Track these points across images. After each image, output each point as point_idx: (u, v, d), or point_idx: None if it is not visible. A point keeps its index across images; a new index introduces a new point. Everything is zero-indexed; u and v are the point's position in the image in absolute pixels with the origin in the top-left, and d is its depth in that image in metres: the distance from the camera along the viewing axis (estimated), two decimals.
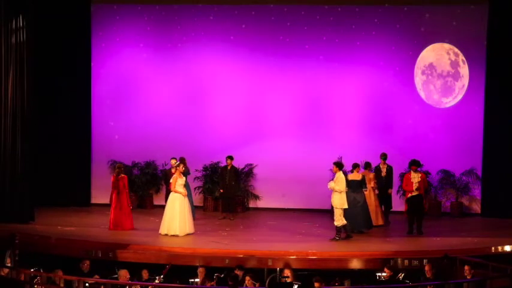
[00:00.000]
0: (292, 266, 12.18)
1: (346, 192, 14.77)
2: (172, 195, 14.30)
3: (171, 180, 14.45)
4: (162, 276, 12.03)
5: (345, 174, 16.36)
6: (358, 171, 14.86)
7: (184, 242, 13.56)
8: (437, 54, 17.49)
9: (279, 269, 12.37)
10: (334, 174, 17.12)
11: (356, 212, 14.60)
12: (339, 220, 13.83)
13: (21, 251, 12.20)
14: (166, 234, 14.05)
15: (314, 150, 17.52)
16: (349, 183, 14.72)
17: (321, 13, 17.66)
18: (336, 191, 13.82)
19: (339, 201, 13.82)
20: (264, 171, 17.69)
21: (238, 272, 11.56)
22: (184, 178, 14.40)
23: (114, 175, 15.02)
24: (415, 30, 17.46)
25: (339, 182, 13.86)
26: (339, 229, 13.87)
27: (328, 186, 13.92)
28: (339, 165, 14.04)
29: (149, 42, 17.98)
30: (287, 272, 11.76)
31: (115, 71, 18.05)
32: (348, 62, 17.61)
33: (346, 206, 13.87)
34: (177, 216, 14.07)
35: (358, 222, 14.64)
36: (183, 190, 14.23)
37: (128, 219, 14.74)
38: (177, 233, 13.99)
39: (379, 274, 12.13)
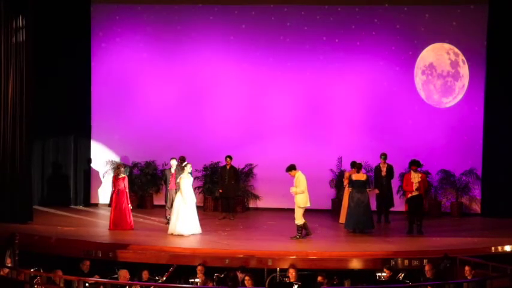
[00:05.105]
0: (296, 266, 12.15)
1: (351, 192, 14.86)
2: (178, 195, 14.29)
3: (178, 180, 14.42)
4: (164, 278, 12.03)
5: (343, 173, 16.44)
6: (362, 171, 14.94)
7: (184, 242, 13.56)
8: (437, 54, 17.50)
9: (279, 268, 12.38)
10: (334, 174, 17.30)
11: (360, 211, 14.65)
12: (300, 219, 13.85)
13: (21, 251, 12.22)
14: (171, 234, 14.06)
15: (314, 150, 17.52)
16: (354, 183, 14.78)
17: (321, 13, 17.67)
18: (298, 193, 13.80)
19: (302, 200, 13.82)
20: (264, 171, 17.68)
21: (240, 274, 11.54)
22: (192, 179, 14.38)
23: (114, 175, 15.03)
24: (415, 30, 17.46)
25: (300, 183, 13.81)
26: (299, 227, 13.88)
27: (291, 192, 13.88)
28: (293, 167, 13.91)
29: (149, 42, 17.98)
30: (292, 272, 11.76)
31: (115, 71, 18.05)
32: (348, 62, 17.61)
33: (308, 204, 13.90)
34: (181, 216, 14.06)
35: (361, 221, 14.67)
36: (186, 190, 14.14)
37: (128, 219, 14.73)
38: (182, 233, 13.99)
39: (379, 274, 12.14)
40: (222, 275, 11.97)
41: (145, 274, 11.96)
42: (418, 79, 17.58)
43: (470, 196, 17.32)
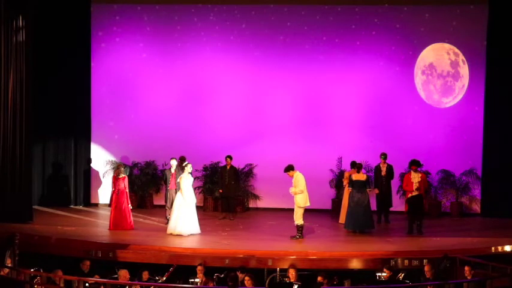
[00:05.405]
0: (295, 266, 12.14)
1: (351, 192, 14.85)
2: (178, 195, 14.29)
3: (178, 180, 14.42)
4: (164, 278, 12.03)
5: (343, 173, 16.43)
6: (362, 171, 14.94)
7: (184, 242, 13.56)
8: (437, 54, 17.50)
9: (279, 268, 12.38)
10: (334, 174, 17.30)
11: (359, 211, 14.65)
12: (300, 219, 13.83)
13: (21, 251, 12.21)
14: (171, 234, 14.06)
15: (314, 150, 17.53)
16: (354, 183, 14.77)
17: (321, 13, 17.67)
18: (298, 193, 13.78)
19: (302, 200, 13.78)
20: (264, 171, 17.68)
21: (240, 274, 11.55)
22: (192, 179, 14.37)
23: (114, 175, 15.03)
24: (415, 30, 17.46)
25: (298, 183, 13.77)
26: (299, 227, 13.86)
27: (291, 193, 13.84)
28: (291, 167, 13.89)
29: (149, 42, 17.98)
30: (292, 272, 11.77)
31: (115, 71, 18.05)
32: (347, 62, 17.61)
33: (308, 204, 13.85)
34: (181, 215, 14.06)
35: (361, 221, 14.67)
36: (187, 190, 14.13)
37: (128, 219, 14.73)
38: (182, 233, 13.99)
39: (379, 274, 12.14)
40: (222, 275, 11.97)
41: (145, 274, 11.96)
42: (418, 79, 17.58)
43: (470, 196, 17.32)
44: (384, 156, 16.01)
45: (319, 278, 11.35)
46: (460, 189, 17.16)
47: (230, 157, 16.30)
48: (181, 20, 17.87)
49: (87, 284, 10.98)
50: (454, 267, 12.02)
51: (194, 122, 17.95)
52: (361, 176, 14.83)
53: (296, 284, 11.46)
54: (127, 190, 14.87)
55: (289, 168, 13.87)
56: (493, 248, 13.14)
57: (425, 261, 12.17)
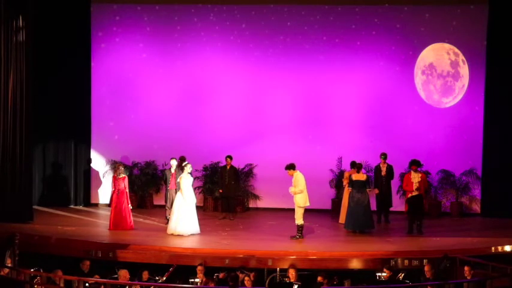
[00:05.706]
0: (295, 266, 12.14)
1: (351, 192, 14.85)
2: (178, 195, 14.29)
3: (178, 180, 14.43)
4: (164, 278, 12.03)
5: (343, 173, 16.43)
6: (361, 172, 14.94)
7: (184, 242, 13.56)
8: (437, 54, 17.50)
9: (279, 268, 12.38)
10: (334, 174, 17.30)
11: (359, 211, 14.64)
12: (300, 219, 13.81)
13: (21, 251, 12.22)
14: (172, 234, 14.05)
15: (314, 150, 17.54)
16: (354, 183, 14.77)
17: (321, 13, 17.67)
18: (297, 193, 13.78)
19: (302, 200, 13.77)
20: (264, 171, 17.68)
21: (240, 274, 11.55)
22: (192, 179, 14.37)
23: (114, 175, 15.03)
24: (415, 30, 17.47)
25: (298, 182, 13.75)
26: (299, 227, 13.86)
27: (290, 192, 13.82)
28: (293, 166, 13.87)
29: (149, 42, 17.97)
30: (292, 272, 11.77)
31: (115, 71, 18.04)
32: (348, 62, 17.61)
33: (308, 204, 13.83)
34: (181, 216, 14.06)
35: (361, 221, 14.67)
36: (187, 190, 14.12)
37: (128, 219, 14.72)
38: (182, 233, 13.99)
39: (379, 274, 12.14)
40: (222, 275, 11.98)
41: (145, 274, 11.97)
42: (418, 79, 17.58)
43: (470, 196, 17.32)
44: (384, 156, 16.01)
45: (319, 278, 11.36)
46: (460, 189, 17.16)
47: (230, 157, 16.30)
48: (181, 20, 17.87)
49: (87, 284, 10.99)
50: (454, 267, 12.03)
51: (194, 122, 17.95)
52: (361, 176, 14.84)
53: (296, 284, 11.46)
54: (127, 190, 14.87)
55: (291, 166, 13.86)
56: (493, 248, 13.15)
57: (425, 261, 12.17)
